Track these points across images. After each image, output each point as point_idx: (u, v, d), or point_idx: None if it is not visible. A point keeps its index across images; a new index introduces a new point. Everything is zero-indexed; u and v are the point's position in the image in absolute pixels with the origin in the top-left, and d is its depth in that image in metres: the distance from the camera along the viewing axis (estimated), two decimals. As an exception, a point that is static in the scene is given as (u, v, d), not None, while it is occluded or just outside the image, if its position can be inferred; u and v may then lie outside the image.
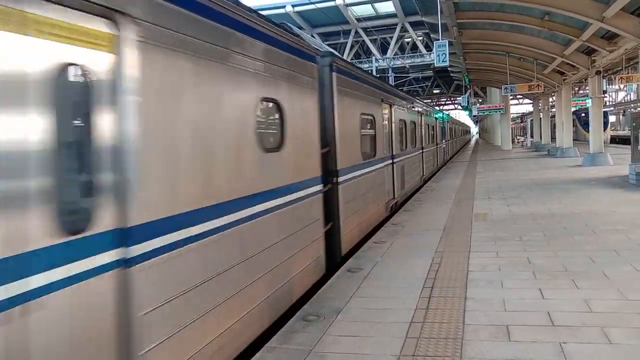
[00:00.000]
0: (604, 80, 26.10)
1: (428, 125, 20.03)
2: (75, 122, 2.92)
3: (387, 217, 11.13)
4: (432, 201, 13.34)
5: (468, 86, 40.84)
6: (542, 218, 9.90)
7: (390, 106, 12.05)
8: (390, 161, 11.88)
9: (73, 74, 2.79)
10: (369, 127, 9.91)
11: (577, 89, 44.06)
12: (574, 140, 29.37)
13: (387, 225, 10.20)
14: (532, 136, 46.98)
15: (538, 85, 25.57)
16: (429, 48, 44.47)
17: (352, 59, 46.20)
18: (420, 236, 8.88)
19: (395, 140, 12.41)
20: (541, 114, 38.17)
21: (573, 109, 31.64)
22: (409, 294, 5.68)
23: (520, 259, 6.95)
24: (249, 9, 4.87)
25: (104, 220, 2.90)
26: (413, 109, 16.22)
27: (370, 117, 9.91)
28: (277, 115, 5.43)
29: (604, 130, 33.51)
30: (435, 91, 66.50)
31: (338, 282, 6.37)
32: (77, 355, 2.68)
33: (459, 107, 74.66)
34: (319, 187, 6.64)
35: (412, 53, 48.60)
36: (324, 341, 4.53)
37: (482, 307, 5.13)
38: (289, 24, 7.79)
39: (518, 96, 60.36)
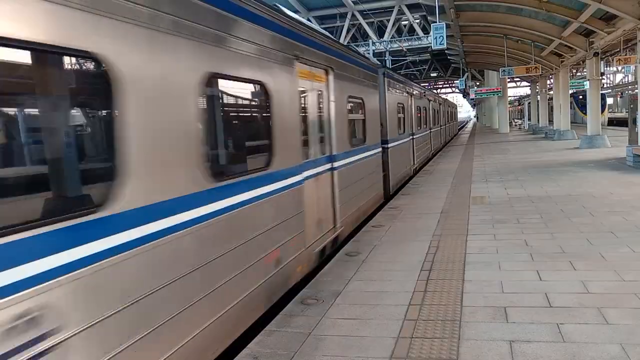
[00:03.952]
0: (602, 62, 25.94)
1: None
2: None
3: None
4: (430, 185, 13.35)
5: (465, 68, 40.66)
6: (539, 200, 9.93)
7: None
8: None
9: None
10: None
11: (574, 71, 43.92)
12: (571, 122, 29.35)
13: (385, 209, 10.22)
14: (529, 119, 46.93)
15: (536, 67, 25.46)
16: (426, 31, 44.17)
17: (348, 43, 45.88)
18: (418, 220, 8.90)
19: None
20: (539, 96, 38.07)
21: (570, 92, 31.54)
22: (407, 277, 5.71)
23: (517, 241, 6.98)
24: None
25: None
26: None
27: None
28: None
29: (602, 112, 33.45)
30: (432, 74, 66.18)
31: (336, 265, 6.39)
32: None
33: (457, 90, 74.47)
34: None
35: (409, 36, 48.27)
36: (322, 324, 4.56)
37: (480, 289, 5.15)
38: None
39: (516, 79, 60.15)
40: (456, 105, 47.60)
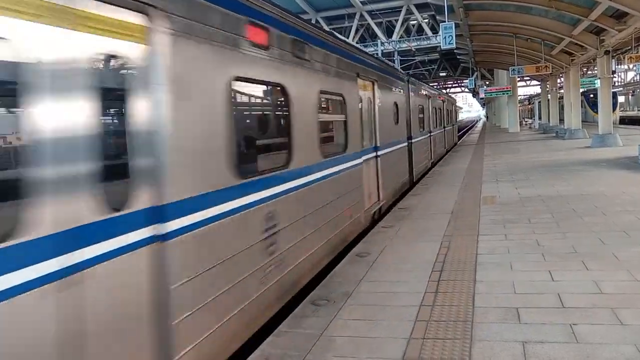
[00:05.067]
0: (613, 60, 25.70)
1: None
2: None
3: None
4: (440, 185, 13.30)
5: (475, 68, 40.48)
6: (550, 200, 9.86)
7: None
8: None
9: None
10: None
11: (585, 69, 43.61)
12: (582, 121, 29.13)
13: (395, 210, 10.20)
14: (540, 118, 46.64)
15: (546, 66, 25.27)
16: (435, 30, 44.08)
17: (357, 43, 45.84)
18: (428, 220, 8.87)
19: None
20: (549, 95, 37.81)
21: (581, 90, 31.29)
22: (418, 278, 5.69)
23: (529, 241, 6.93)
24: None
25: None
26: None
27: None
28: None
29: (613, 111, 33.13)
30: (441, 74, 65.98)
31: (346, 266, 6.39)
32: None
33: (466, 89, 74.19)
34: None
35: (418, 36, 48.18)
36: (334, 325, 4.55)
37: (492, 290, 5.13)
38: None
39: (525, 78, 59.80)
40: (455, 101, 41.17)
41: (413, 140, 14.26)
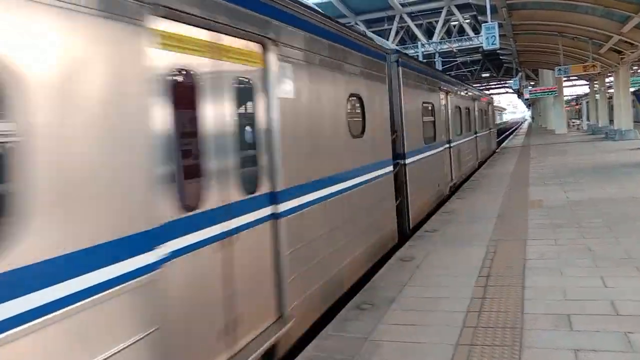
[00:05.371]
0: (666, 58, 24.65)
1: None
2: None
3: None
4: (485, 188, 13.07)
5: (518, 68, 39.59)
6: (601, 203, 9.53)
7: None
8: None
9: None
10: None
11: (636, 67, 42.00)
12: (633, 122, 28.05)
13: (439, 213, 10.08)
14: (588, 119, 45.17)
15: (594, 65, 24.48)
16: (476, 31, 43.31)
17: (397, 45, 45.58)
18: (473, 224, 8.73)
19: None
20: (597, 95, 36.59)
21: (632, 89, 30.15)
22: (464, 283, 5.61)
23: (579, 246, 6.73)
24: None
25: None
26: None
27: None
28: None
29: (667, 110, 31.77)
30: (484, 75, 64.81)
31: (390, 271, 6.36)
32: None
33: (510, 90, 72.67)
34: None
35: (460, 37, 47.45)
36: (379, 330, 4.55)
37: (542, 296, 5.01)
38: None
39: (572, 77, 58.07)
40: (491, 100, 30.62)
41: (408, 161, 8.97)
